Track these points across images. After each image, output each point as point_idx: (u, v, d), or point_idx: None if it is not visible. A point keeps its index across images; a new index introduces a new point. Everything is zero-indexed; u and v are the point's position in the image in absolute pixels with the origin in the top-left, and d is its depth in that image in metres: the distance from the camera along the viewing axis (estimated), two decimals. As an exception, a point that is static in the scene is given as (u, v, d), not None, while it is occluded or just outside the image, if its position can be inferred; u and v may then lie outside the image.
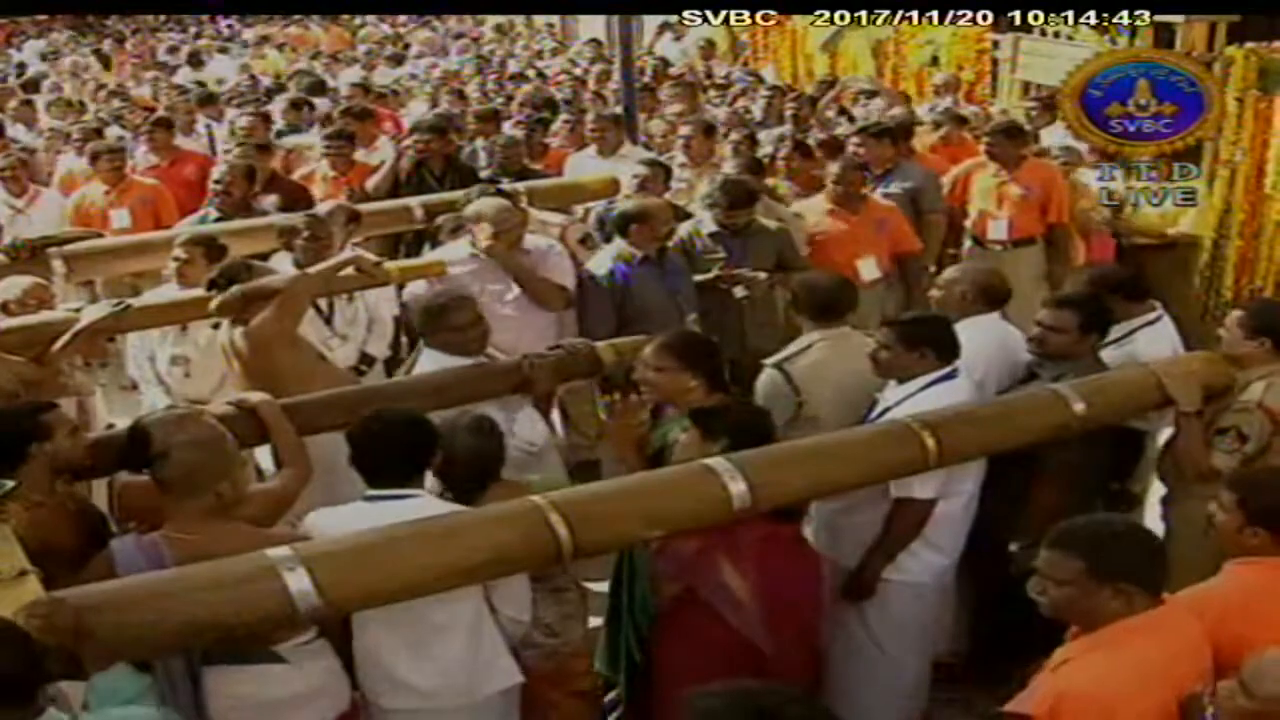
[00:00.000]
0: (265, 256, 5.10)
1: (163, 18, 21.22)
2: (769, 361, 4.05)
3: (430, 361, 4.10)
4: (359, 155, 7.19)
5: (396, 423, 3.17)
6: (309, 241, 5.03)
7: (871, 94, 8.94)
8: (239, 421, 3.53)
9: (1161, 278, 6.07)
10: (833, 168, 5.95)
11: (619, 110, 7.81)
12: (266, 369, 4.10)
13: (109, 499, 3.49)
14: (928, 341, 3.66)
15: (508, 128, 7.70)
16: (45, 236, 5.56)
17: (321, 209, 5.44)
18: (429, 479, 3.26)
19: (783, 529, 3.31)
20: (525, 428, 3.92)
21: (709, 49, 12.09)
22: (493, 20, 17.62)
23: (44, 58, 16.19)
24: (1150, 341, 4.19)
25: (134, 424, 3.36)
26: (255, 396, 3.65)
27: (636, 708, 3.48)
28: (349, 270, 4.71)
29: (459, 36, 17.10)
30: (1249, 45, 6.83)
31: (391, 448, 3.12)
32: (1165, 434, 3.97)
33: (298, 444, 3.57)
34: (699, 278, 5.21)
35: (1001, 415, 3.59)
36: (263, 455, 4.05)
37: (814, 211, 5.88)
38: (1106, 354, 3.97)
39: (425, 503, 3.08)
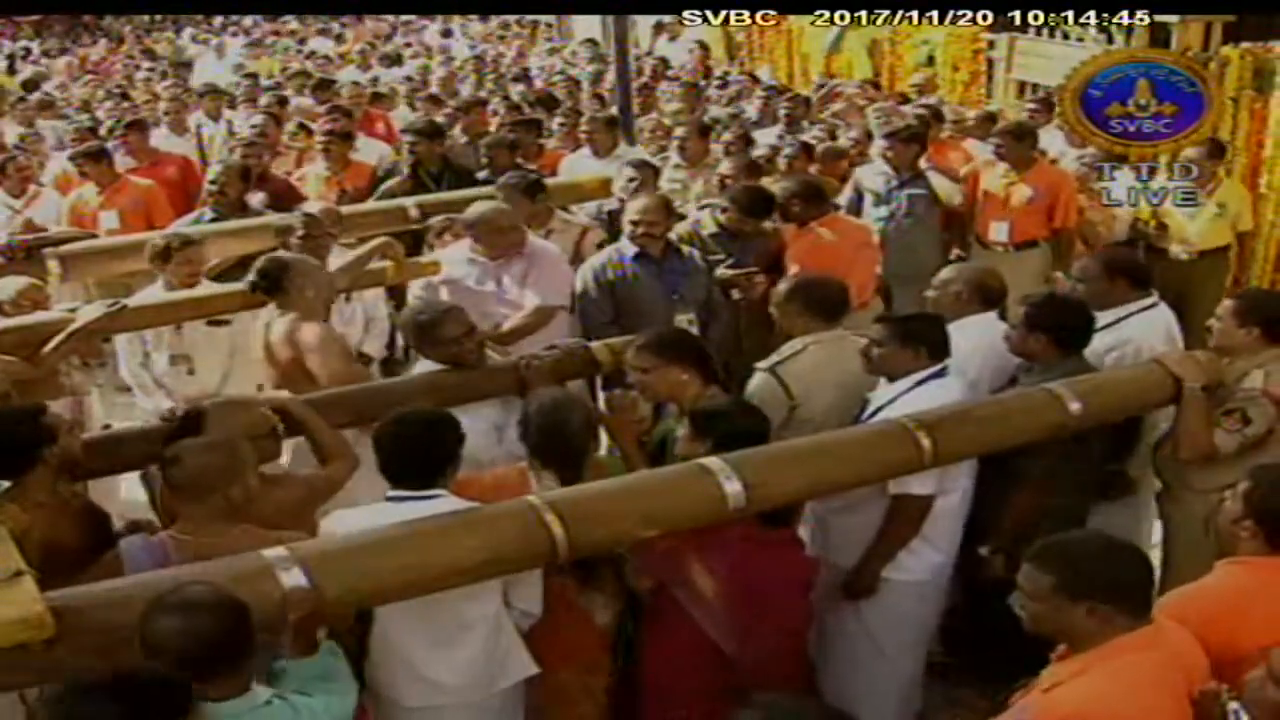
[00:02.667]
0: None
1: (158, 18, 21.22)
2: (761, 365, 3.98)
3: None
4: None
5: (419, 423, 3.14)
6: (305, 240, 5.02)
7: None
8: None
9: (1186, 289, 6.03)
10: None
11: (613, 111, 7.79)
12: (307, 371, 4.11)
13: (150, 500, 3.52)
14: (923, 339, 3.65)
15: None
16: (38, 236, 5.55)
17: (306, 209, 5.42)
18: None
19: (771, 532, 3.29)
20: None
21: (704, 52, 12.05)
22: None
23: (42, 61, 16.18)
24: (1143, 327, 4.16)
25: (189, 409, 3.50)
26: (283, 394, 3.68)
27: (622, 701, 3.47)
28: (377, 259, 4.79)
29: (447, 34, 17.07)
30: (1244, 45, 6.86)
31: (413, 448, 3.09)
32: (1161, 426, 3.96)
33: (334, 434, 3.60)
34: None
35: (997, 415, 3.58)
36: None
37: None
38: (1098, 338, 3.94)
39: (447, 503, 3.03)
